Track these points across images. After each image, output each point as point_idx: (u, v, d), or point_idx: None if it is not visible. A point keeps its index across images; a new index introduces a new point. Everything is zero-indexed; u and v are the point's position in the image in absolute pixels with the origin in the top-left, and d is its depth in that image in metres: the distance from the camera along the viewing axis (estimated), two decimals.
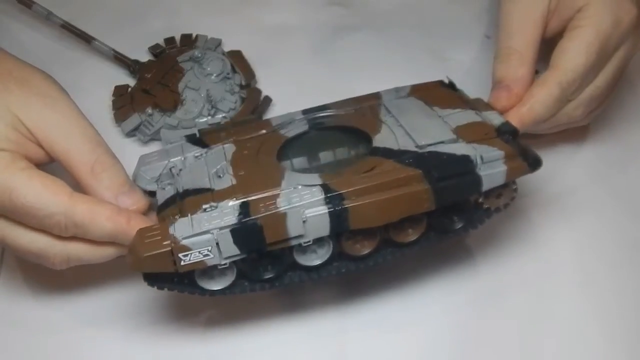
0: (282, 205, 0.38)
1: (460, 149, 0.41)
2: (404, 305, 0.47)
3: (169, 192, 0.43)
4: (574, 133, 0.53)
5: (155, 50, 0.59)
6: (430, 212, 0.41)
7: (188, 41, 0.59)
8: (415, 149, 0.42)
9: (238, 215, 0.38)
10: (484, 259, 0.49)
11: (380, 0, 0.63)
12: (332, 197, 0.39)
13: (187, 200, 0.41)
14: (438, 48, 0.59)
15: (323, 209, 0.39)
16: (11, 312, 0.47)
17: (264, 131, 0.46)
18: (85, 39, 0.58)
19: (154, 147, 0.54)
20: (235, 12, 0.62)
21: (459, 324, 0.46)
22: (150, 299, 0.47)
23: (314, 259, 0.41)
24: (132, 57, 0.58)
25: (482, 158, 0.40)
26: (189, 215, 0.39)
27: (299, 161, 0.45)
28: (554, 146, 0.53)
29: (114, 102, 0.56)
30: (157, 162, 0.45)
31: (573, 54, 0.46)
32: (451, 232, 0.43)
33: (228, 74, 0.56)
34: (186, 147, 0.46)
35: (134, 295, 0.47)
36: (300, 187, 0.40)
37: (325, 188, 0.39)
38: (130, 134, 0.55)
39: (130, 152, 0.54)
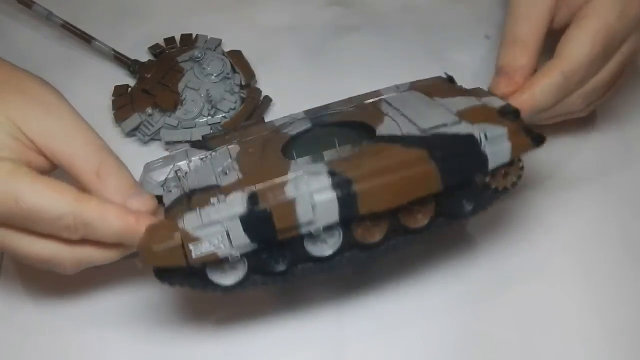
0: (290, 191, 0.38)
1: (463, 129, 0.40)
2: (403, 301, 0.47)
3: (175, 194, 0.42)
4: (579, 124, 0.53)
5: (155, 50, 0.59)
6: (439, 196, 0.40)
7: (188, 41, 0.59)
8: (419, 133, 0.41)
9: (247, 206, 0.38)
10: (484, 251, 0.49)
11: (381, 0, 0.63)
12: (339, 182, 0.38)
13: (194, 198, 0.40)
14: (438, 48, 0.59)
15: (331, 195, 0.38)
16: (11, 315, 0.46)
17: (266, 133, 0.46)
18: (85, 39, 0.58)
19: (154, 147, 0.54)
20: (235, 12, 0.62)
21: (459, 318, 0.46)
22: (153, 301, 0.47)
23: (325, 249, 0.40)
24: (132, 57, 0.58)
25: (485, 135, 0.40)
26: (197, 209, 0.38)
27: (304, 159, 0.43)
28: (558, 137, 0.53)
29: (113, 102, 0.56)
30: (163, 167, 0.44)
31: (578, 44, 0.46)
32: (460, 216, 0.42)
33: (228, 73, 0.56)
34: (191, 152, 0.46)
35: (136, 297, 0.47)
36: (306, 175, 0.39)
37: (332, 173, 0.38)
38: (130, 133, 0.55)
39: (130, 151, 0.54)
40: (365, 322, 0.47)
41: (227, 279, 0.40)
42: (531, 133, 0.41)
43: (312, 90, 0.57)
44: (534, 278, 0.48)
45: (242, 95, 0.56)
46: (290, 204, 0.38)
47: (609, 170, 0.53)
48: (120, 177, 0.41)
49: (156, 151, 0.54)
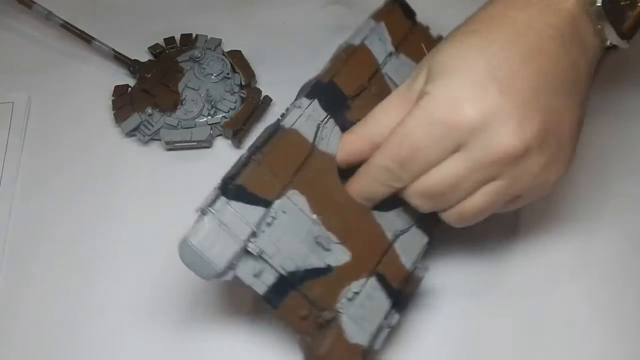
0: (407, 264, 0.44)
1: None
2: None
3: (268, 278, 0.40)
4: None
5: (155, 50, 0.59)
6: None
7: (188, 41, 0.59)
8: None
9: (388, 297, 0.42)
10: (481, 255, 0.49)
11: (381, 0, 0.63)
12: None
13: (307, 285, 0.40)
14: None
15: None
16: None
17: (306, 153, 0.42)
18: (85, 39, 0.58)
19: (154, 147, 0.54)
20: (235, 12, 0.62)
21: (458, 318, 0.47)
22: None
23: None
24: (132, 57, 0.58)
25: None
26: (352, 320, 0.41)
27: (383, 207, 0.45)
28: None
29: (114, 102, 0.56)
30: (219, 242, 0.38)
31: None
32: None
33: (228, 73, 0.56)
34: (244, 212, 0.39)
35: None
36: (402, 235, 0.44)
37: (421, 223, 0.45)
38: (130, 133, 0.55)
39: (130, 152, 0.54)
40: None
41: None
42: None
43: None
44: (534, 277, 0.48)
45: (242, 95, 0.56)
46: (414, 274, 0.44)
47: (609, 168, 0.53)
48: None
49: (156, 151, 0.54)
